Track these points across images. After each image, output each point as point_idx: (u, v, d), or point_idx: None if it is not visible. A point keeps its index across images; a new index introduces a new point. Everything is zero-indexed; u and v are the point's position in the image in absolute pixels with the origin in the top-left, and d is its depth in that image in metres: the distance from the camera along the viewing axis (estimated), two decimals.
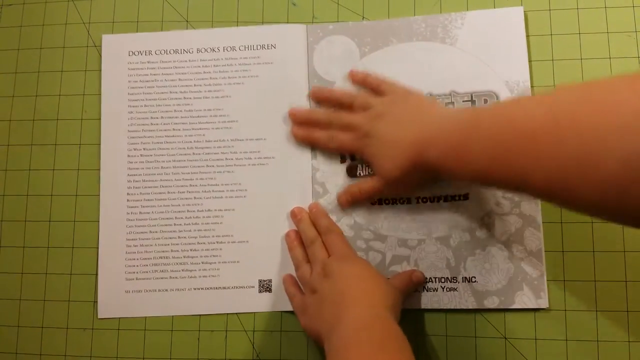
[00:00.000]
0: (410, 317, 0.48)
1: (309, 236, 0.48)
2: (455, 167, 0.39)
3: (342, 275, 0.43)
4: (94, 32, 0.55)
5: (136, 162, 0.52)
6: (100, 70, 0.54)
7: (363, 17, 0.53)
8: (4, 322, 0.51)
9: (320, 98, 0.51)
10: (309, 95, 0.51)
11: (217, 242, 0.50)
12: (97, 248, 0.51)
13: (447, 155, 0.39)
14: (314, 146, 0.51)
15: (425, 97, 0.48)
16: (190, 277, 0.50)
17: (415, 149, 0.42)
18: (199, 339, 0.50)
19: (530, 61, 0.50)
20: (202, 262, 0.50)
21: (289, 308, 0.48)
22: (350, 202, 0.49)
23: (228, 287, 0.50)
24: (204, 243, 0.50)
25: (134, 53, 0.53)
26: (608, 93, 0.29)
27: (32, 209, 0.52)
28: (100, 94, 0.53)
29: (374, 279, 0.43)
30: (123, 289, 0.50)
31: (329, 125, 0.49)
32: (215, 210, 0.51)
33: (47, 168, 0.53)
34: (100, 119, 0.53)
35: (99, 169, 0.52)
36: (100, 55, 0.54)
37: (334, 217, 0.50)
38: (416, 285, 0.47)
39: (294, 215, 0.50)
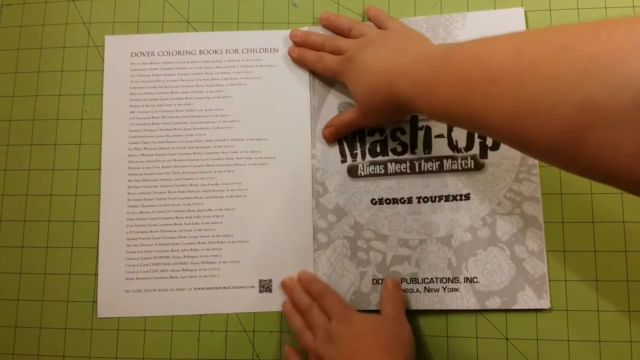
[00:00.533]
0: (412, 317, 0.48)
1: (304, 303, 0.47)
2: (422, 102, 0.39)
3: (347, 337, 0.43)
4: (95, 32, 0.55)
5: (137, 162, 0.52)
6: (100, 70, 0.54)
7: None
8: (1, 323, 0.51)
9: (326, 22, 0.52)
10: (319, 19, 0.53)
11: (218, 242, 0.50)
12: (97, 248, 0.51)
13: (414, 89, 0.39)
14: (304, 66, 0.52)
15: (414, 32, 0.49)
16: (191, 276, 0.50)
17: (386, 79, 0.42)
18: (199, 339, 0.49)
19: None
20: (202, 262, 0.50)
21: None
22: (334, 134, 0.50)
23: (228, 287, 0.50)
24: (204, 243, 0.50)
25: (136, 54, 0.53)
26: (572, 38, 0.28)
27: (32, 209, 0.52)
28: (100, 94, 0.53)
29: (377, 334, 0.43)
30: (123, 289, 0.50)
31: (321, 47, 0.51)
32: (216, 209, 0.51)
33: (47, 168, 0.53)
34: (100, 118, 0.53)
35: (99, 169, 0.52)
36: (101, 55, 0.54)
37: (334, 217, 0.49)
38: (399, 290, 0.47)
39: (285, 285, 0.49)
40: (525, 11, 0.51)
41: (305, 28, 0.53)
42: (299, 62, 0.52)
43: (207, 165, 0.51)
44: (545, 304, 0.46)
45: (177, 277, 0.50)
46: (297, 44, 0.52)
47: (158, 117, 0.52)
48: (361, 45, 0.47)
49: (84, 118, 0.53)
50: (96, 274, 0.50)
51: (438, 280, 0.48)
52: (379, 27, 0.50)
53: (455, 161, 0.49)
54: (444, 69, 0.37)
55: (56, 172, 0.52)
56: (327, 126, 0.51)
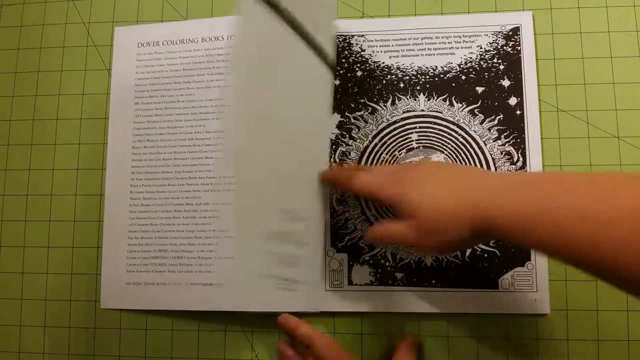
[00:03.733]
0: (413, 318, 0.48)
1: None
2: (518, 238, 0.33)
3: None
4: (94, 32, 0.55)
5: (140, 154, 0.51)
6: (100, 70, 0.54)
7: (363, 14, 0.53)
8: (7, 322, 0.51)
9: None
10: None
11: (214, 237, 0.50)
12: (98, 248, 0.51)
13: (511, 230, 0.32)
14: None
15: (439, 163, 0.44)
16: (187, 271, 0.49)
17: (474, 215, 0.34)
18: (198, 338, 0.49)
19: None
20: (198, 257, 0.50)
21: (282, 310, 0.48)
22: (377, 243, 0.48)
23: (223, 284, 0.49)
24: (200, 237, 0.50)
25: (142, 44, 0.53)
26: None
27: (32, 209, 0.52)
28: (101, 94, 0.53)
29: None
30: (124, 281, 0.50)
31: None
32: (213, 204, 0.50)
33: (47, 168, 0.53)
34: (100, 118, 0.53)
35: (100, 169, 0.52)
36: (101, 55, 0.54)
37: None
38: (415, 352, 0.46)
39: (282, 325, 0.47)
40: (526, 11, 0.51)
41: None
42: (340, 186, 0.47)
43: (206, 157, 0.51)
44: (545, 308, 0.46)
45: (174, 272, 0.50)
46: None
47: (161, 109, 0.52)
48: (398, 183, 0.38)
49: (84, 118, 0.53)
50: (98, 274, 0.50)
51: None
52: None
53: None
54: (540, 225, 0.31)
55: (56, 172, 0.53)
56: (373, 232, 0.41)
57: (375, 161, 0.50)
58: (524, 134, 0.48)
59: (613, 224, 0.28)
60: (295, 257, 0.46)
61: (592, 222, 0.29)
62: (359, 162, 0.50)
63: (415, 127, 0.50)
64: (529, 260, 0.47)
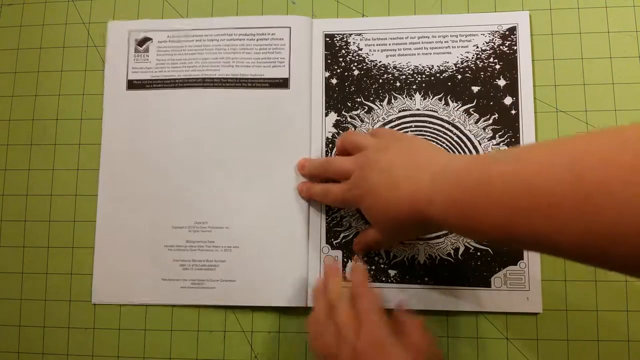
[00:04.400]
0: None
1: (335, 297, 0.42)
2: (462, 226, 0.35)
3: None
4: (94, 32, 0.55)
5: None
6: (100, 70, 0.54)
7: (363, 15, 0.53)
8: (6, 322, 0.51)
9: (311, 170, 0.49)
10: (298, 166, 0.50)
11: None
12: (94, 248, 0.51)
13: (451, 214, 0.35)
14: (315, 201, 0.49)
15: (419, 142, 0.43)
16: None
17: (412, 205, 0.38)
18: (197, 338, 0.50)
19: (532, 60, 0.50)
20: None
21: (286, 304, 0.49)
22: (362, 251, 0.48)
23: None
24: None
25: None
26: (635, 156, 0.25)
27: (32, 209, 0.52)
28: (101, 94, 0.53)
29: None
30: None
31: (324, 173, 0.47)
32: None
33: (47, 168, 0.53)
34: (100, 118, 0.53)
35: (99, 168, 0.52)
36: (101, 55, 0.54)
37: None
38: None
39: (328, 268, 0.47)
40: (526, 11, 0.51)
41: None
42: (309, 199, 0.49)
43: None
44: (537, 308, 0.46)
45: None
46: (305, 176, 0.50)
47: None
48: (365, 168, 0.42)
49: (84, 118, 0.53)
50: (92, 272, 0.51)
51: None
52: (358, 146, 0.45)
53: None
54: (484, 199, 0.32)
55: (56, 172, 0.53)
56: (355, 243, 0.48)
57: None
58: (519, 134, 0.48)
59: (543, 211, 0.29)
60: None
61: (521, 212, 0.30)
62: None
63: (410, 126, 0.50)
64: (522, 259, 0.47)
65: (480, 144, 0.49)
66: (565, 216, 0.27)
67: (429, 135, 0.49)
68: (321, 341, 0.40)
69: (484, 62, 0.50)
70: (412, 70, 0.50)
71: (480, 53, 0.50)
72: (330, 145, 0.50)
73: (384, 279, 0.48)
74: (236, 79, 0.52)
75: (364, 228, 0.49)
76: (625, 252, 0.26)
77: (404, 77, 0.50)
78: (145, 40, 0.53)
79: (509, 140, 0.48)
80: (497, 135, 0.49)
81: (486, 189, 0.32)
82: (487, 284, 0.47)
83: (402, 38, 0.51)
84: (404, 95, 0.50)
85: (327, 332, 0.40)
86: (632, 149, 0.26)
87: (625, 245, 0.25)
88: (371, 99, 0.50)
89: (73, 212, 0.52)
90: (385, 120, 0.50)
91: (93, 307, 0.50)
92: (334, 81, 0.51)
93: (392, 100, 0.50)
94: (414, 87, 0.50)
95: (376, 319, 0.39)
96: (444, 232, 0.48)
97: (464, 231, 0.36)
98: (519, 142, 0.48)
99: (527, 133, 0.48)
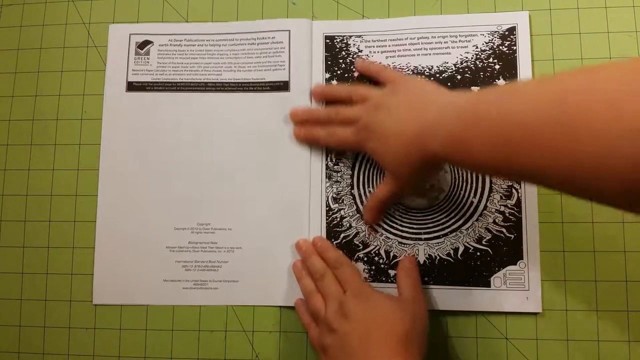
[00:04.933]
0: None
1: (318, 269, 0.46)
2: (460, 160, 0.37)
3: (361, 317, 0.41)
4: (94, 32, 0.55)
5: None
6: (100, 70, 0.54)
7: (363, 15, 0.53)
8: (6, 322, 0.51)
9: (320, 96, 0.50)
10: (310, 94, 0.51)
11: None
12: (94, 248, 0.51)
13: (449, 148, 0.37)
14: (315, 145, 0.50)
15: (426, 84, 0.44)
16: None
17: (416, 140, 0.39)
18: (199, 338, 0.50)
19: (532, 60, 0.50)
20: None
21: (288, 304, 0.49)
22: (376, 216, 0.48)
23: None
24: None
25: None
26: (616, 91, 0.27)
27: (32, 209, 0.52)
28: (101, 94, 0.53)
29: (394, 315, 0.41)
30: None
31: (328, 121, 0.48)
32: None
33: (47, 168, 0.53)
34: (100, 119, 0.53)
35: (99, 169, 0.52)
36: (101, 55, 0.54)
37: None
38: (416, 268, 0.47)
39: (299, 247, 0.49)
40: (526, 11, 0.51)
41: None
42: (308, 141, 0.50)
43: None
44: (537, 307, 0.46)
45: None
46: (298, 122, 0.50)
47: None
48: (372, 111, 0.44)
49: (84, 118, 0.53)
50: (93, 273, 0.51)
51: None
52: (374, 79, 0.49)
53: None
54: (477, 128, 0.34)
55: (56, 172, 0.53)
56: (365, 212, 0.48)
57: (371, 160, 0.50)
58: None
59: (528, 140, 0.30)
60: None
61: (508, 142, 0.32)
62: (355, 161, 0.50)
63: None
64: (522, 259, 0.47)
65: None
66: (551, 146, 0.29)
67: None
68: (311, 304, 0.45)
69: (484, 63, 0.50)
70: (412, 70, 0.50)
71: (480, 53, 0.50)
72: None
73: (384, 279, 0.48)
74: (238, 83, 0.52)
75: (364, 228, 0.49)
76: (606, 184, 0.27)
77: None
78: (146, 43, 0.53)
79: None
80: None
81: (479, 121, 0.34)
82: (487, 284, 0.47)
83: (402, 39, 0.51)
84: None
85: (315, 299, 0.45)
86: (617, 80, 0.27)
87: (611, 175, 0.27)
88: None
89: (73, 212, 0.52)
90: None
91: (94, 307, 0.51)
92: (335, 82, 0.51)
93: None
94: None
95: (359, 281, 0.45)
96: (444, 232, 0.48)
97: (464, 164, 0.39)
98: None
99: None
